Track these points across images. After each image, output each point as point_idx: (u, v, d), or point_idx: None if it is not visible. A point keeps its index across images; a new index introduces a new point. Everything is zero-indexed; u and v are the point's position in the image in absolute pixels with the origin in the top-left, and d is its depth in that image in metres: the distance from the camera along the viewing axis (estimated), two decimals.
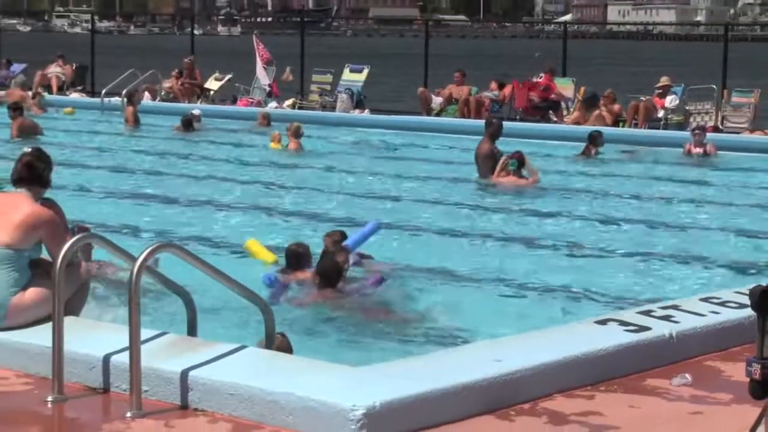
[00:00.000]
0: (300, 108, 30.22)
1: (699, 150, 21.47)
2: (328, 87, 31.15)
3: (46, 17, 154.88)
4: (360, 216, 15.43)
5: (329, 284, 10.61)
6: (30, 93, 30.98)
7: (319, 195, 17.49)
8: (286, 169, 20.77)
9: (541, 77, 28.42)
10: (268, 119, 26.76)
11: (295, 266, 11.20)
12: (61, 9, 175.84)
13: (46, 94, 32.11)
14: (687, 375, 7.36)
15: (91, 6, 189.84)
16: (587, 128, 23.93)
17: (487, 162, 18.30)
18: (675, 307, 8.37)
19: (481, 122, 26.56)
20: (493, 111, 28.13)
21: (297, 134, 23.03)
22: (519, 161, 17.89)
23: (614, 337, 7.63)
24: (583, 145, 21.77)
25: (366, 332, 10.03)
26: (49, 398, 6.87)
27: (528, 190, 17.62)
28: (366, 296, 10.91)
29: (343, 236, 11.88)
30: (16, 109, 24.52)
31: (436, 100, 29.01)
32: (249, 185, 18.34)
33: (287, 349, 7.71)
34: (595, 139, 21.66)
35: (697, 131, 22.42)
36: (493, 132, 18.72)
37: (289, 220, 15.38)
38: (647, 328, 7.82)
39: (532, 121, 26.27)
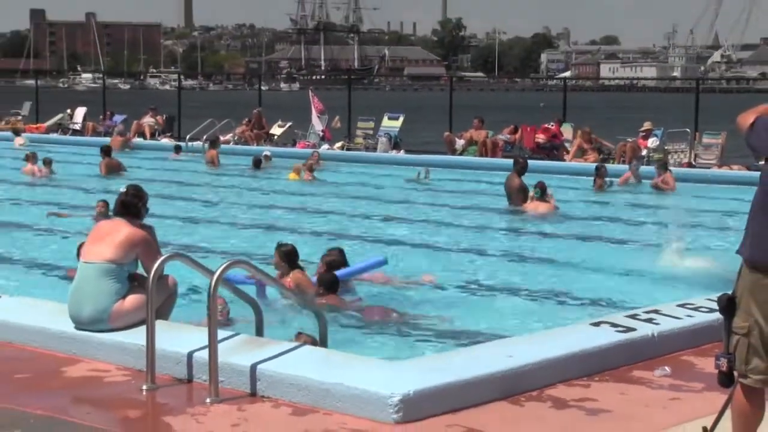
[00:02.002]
0: (347, 149, 30.26)
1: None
2: (371, 132, 31.19)
3: (141, 77, 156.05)
4: (386, 236, 15.57)
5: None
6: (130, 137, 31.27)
7: (347, 219, 17.55)
8: (310, 196, 20.93)
9: (552, 125, 28.49)
10: (319, 158, 26.87)
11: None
12: (153, 70, 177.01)
13: (141, 140, 32.41)
14: (667, 367, 7.38)
15: (178, 67, 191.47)
16: (586, 165, 24.11)
17: (517, 193, 18.38)
18: (656, 312, 8.35)
19: (497, 160, 26.96)
20: (506, 151, 28.16)
21: (311, 168, 23.89)
22: (542, 189, 18.02)
23: (606, 336, 7.63)
24: (585, 178, 21.85)
25: (394, 331, 10.04)
26: (144, 387, 6.92)
27: (549, 216, 17.53)
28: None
29: (341, 254, 11.34)
30: (105, 151, 24.68)
31: (459, 142, 29.00)
32: (299, 212, 18.42)
33: (314, 344, 7.66)
34: (599, 170, 21.78)
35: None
36: (520, 169, 18.77)
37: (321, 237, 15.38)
38: (633, 329, 7.81)
39: (538, 158, 26.19)
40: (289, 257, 10.56)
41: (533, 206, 17.88)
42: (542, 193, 17.94)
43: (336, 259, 11.22)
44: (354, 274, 11.40)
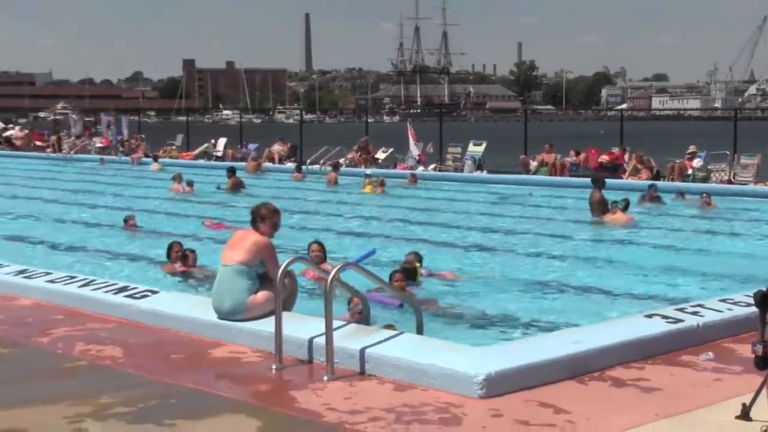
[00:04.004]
0: (439, 170, 30.19)
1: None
2: (459, 155, 31.11)
3: (270, 113, 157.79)
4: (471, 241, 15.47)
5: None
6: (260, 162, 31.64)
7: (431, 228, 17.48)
8: (394, 208, 20.85)
9: (617, 151, 28.10)
10: (415, 178, 26.94)
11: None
12: (280, 107, 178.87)
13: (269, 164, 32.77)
14: (710, 353, 7.22)
15: (300, 104, 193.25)
16: (642, 182, 23.81)
17: (598, 205, 18.17)
18: (701, 306, 8.20)
19: (564, 178, 26.76)
20: (571, 171, 27.96)
21: (382, 183, 24.48)
22: (626, 203, 18.04)
23: (658, 326, 7.50)
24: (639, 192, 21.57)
25: (473, 321, 9.99)
26: (273, 367, 6.97)
27: (628, 225, 17.32)
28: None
29: (418, 257, 11.65)
30: (230, 171, 25.04)
31: (533, 164, 28.81)
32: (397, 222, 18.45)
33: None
34: (652, 186, 21.69)
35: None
36: (601, 185, 18.62)
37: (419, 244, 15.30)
38: (681, 320, 7.67)
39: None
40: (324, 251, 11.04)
41: (615, 217, 17.70)
42: (625, 207, 17.93)
43: (410, 260, 11.58)
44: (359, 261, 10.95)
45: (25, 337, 7.98)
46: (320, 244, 11.75)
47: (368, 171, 27.70)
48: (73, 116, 41.51)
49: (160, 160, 33.99)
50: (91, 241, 15.81)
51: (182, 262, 12.24)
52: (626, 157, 27.74)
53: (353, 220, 19.00)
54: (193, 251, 12.44)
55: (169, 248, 12.58)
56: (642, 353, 7.12)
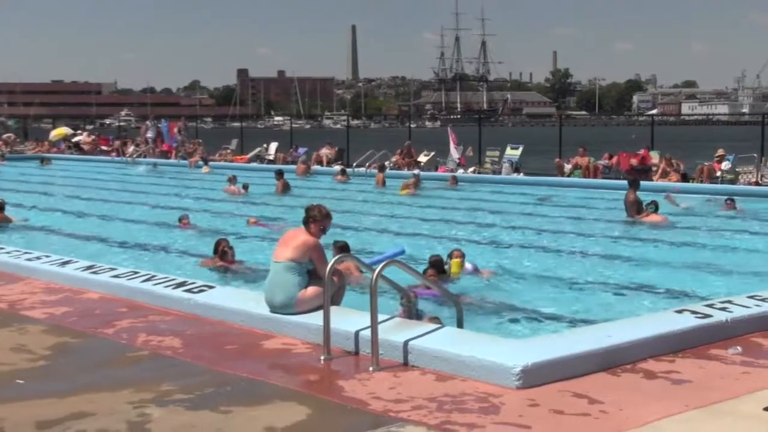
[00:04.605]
0: (479, 173, 30.10)
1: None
2: (497, 159, 30.99)
3: (319, 119, 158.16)
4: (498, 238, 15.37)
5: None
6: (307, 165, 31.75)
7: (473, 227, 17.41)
8: (425, 208, 20.80)
9: (641, 151, 27.85)
10: (456, 180, 26.85)
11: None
12: (328, 113, 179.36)
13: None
14: (738, 347, 7.13)
15: (347, 111, 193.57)
16: (670, 184, 23.40)
17: (632, 205, 18.02)
18: (729, 302, 8.09)
19: (597, 180, 26.54)
20: (605, 173, 27.74)
21: (416, 185, 24.63)
22: (656, 206, 17.90)
23: (688, 321, 7.41)
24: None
25: (511, 316, 9.94)
26: (322, 357, 6.99)
27: (662, 225, 17.16)
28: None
29: (461, 254, 11.57)
30: (279, 174, 25.18)
31: (567, 167, 28.61)
32: (438, 222, 18.39)
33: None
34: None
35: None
36: (636, 187, 18.46)
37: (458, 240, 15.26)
38: (710, 315, 7.57)
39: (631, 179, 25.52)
40: (343, 250, 10.62)
41: (650, 218, 17.55)
42: (656, 209, 17.81)
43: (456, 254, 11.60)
44: (378, 262, 11.06)
45: (92, 328, 8.09)
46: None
47: (416, 170, 27.74)
48: (148, 122, 41.80)
49: (209, 163, 34.31)
50: (150, 238, 15.98)
51: (221, 258, 12.46)
52: (653, 155, 27.47)
53: (396, 219, 19.02)
54: (231, 247, 12.64)
55: (217, 244, 12.75)
56: (672, 347, 7.04)
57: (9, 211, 18.16)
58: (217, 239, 13.01)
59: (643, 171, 26.66)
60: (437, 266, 11.04)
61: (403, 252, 11.47)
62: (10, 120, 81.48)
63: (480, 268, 12.07)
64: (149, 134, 40.95)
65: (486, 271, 12.09)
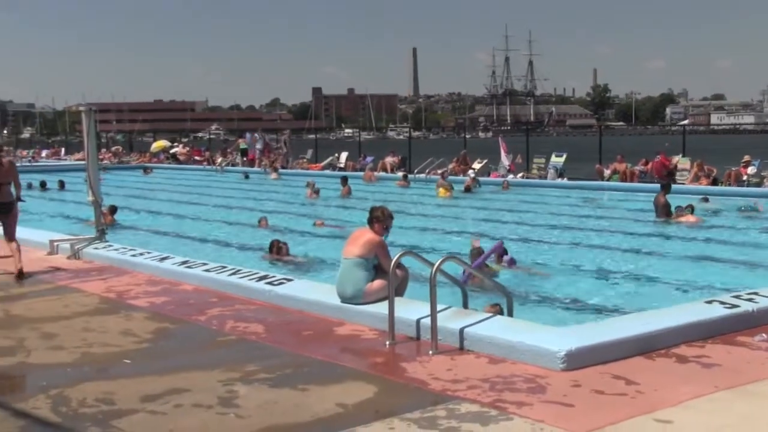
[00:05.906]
0: (526, 178, 29.85)
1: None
2: (543, 165, 30.71)
3: (384, 131, 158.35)
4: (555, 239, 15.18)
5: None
6: (374, 173, 31.74)
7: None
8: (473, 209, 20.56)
9: (658, 157, 27.26)
10: (508, 185, 26.64)
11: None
12: (392, 125, 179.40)
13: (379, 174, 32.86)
14: (764, 334, 6.95)
15: (409, 123, 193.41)
16: (699, 187, 22.93)
17: (662, 208, 17.64)
18: (756, 293, 7.89)
19: (634, 184, 26.06)
20: (640, 178, 27.26)
21: (450, 188, 24.69)
22: (692, 208, 17.58)
23: (717, 311, 7.26)
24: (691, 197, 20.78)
25: (554, 306, 9.82)
26: (387, 342, 7.00)
27: (696, 225, 16.78)
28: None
29: (480, 251, 11.13)
30: (344, 180, 25.21)
31: (607, 172, 28.21)
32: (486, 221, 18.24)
33: (500, 313, 7.58)
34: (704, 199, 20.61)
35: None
36: (667, 190, 18.09)
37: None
38: (738, 306, 7.40)
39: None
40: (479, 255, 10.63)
41: (685, 219, 17.09)
42: (691, 211, 17.40)
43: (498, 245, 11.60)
44: (486, 258, 10.90)
45: (187, 316, 8.22)
46: None
47: (471, 173, 27.48)
48: (256, 135, 42.10)
49: (279, 170, 34.59)
50: (236, 237, 16.18)
51: (277, 253, 12.94)
52: (684, 164, 26.89)
53: (457, 220, 18.91)
54: (285, 243, 13.16)
55: (271, 244, 13.26)
56: (703, 334, 6.91)
57: (117, 214, 18.56)
58: (271, 240, 13.41)
59: (669, 174, 26.17)
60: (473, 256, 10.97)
61: (501, 245, 11.73)
62: (119, 135, 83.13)
63: (517, 263, 11.96)
64: (258, 145, 41.08)
65: (522, 267, 11.96)
